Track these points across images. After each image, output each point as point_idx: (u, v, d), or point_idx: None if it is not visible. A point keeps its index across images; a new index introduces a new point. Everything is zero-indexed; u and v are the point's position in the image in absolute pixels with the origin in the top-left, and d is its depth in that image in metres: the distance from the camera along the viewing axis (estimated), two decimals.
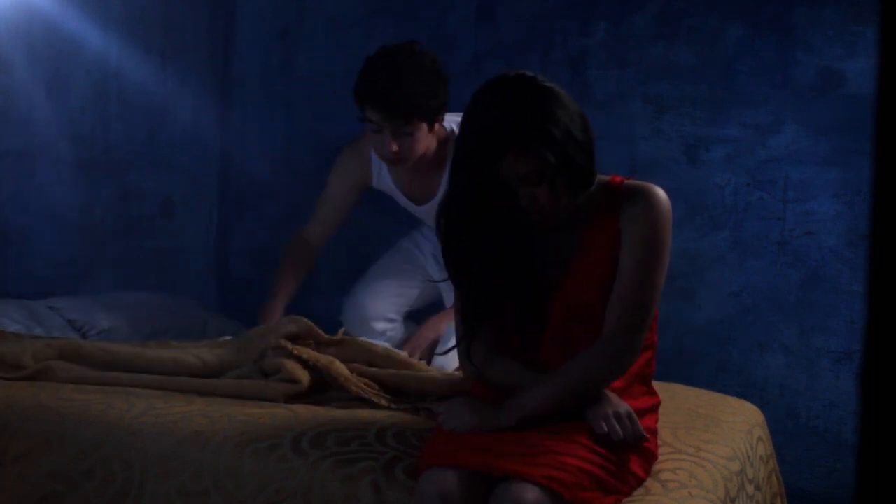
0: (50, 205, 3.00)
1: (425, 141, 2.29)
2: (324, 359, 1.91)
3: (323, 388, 1.92)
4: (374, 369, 1.95)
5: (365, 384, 1.87)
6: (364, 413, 1.79)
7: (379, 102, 2.20)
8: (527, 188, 1.45)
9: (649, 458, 1.58)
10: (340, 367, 1.90)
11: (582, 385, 1.50)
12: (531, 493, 1.32)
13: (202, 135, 3.65)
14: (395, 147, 2.25)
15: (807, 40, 2.75)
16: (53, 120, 3.00)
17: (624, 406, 1.49)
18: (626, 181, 1.58)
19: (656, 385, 1.71)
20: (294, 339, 1.98)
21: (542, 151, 1.41)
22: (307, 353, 1.91)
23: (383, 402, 1.83)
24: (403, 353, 2.18)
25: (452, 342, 1.71)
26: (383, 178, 2.54)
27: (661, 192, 1.55)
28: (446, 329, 2.48)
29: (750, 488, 1.81)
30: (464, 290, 1.57)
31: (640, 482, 1.52)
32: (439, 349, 2.43)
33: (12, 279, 2.88)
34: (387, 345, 2.28)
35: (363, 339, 2.21)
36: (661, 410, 1.70)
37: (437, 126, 2.31)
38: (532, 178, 1.44)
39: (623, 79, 3.03)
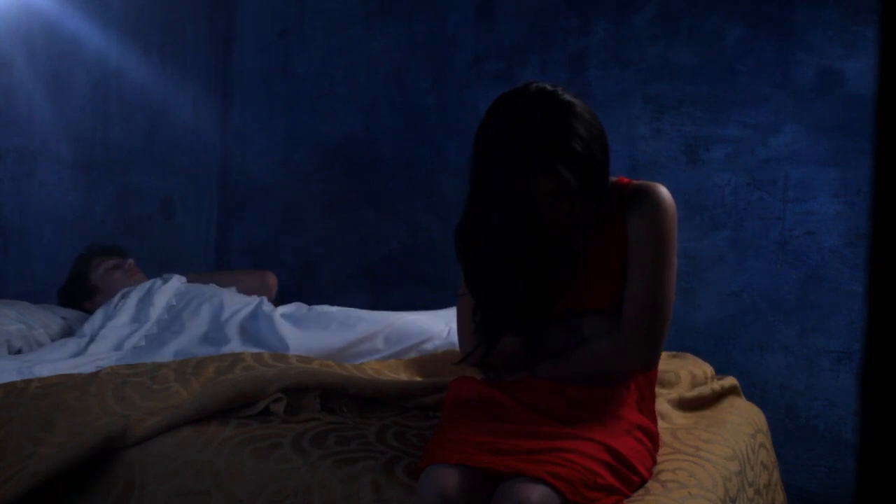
0: (50, 205, 3.00)
1: None
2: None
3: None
4: (349, 374, 1.91)
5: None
6: (364, 412, 1.79)
7: None
8: (549, 202, 1.47)
9: (655, 451, 1.59)
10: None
11: (592, 373, 1.56)
12: (536, 491, 1.31)
13: (202, 135, 3.65)
14: None
15: (807, 40, 2.75)
16: (53, 120, 3.00)
17: None
18: (633, 182, 1.59)
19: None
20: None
21: (565, 172, 1.43)
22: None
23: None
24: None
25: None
26: None
27: (663, 191, 1.56)
28: None
29: (750, 491, 1.80)
30: (485, 305, 1.57)
31: (643, 481, 1.52)
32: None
33: (12, 279, 2.87)
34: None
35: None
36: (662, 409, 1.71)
37: None
38: (554, 193, 1.46)
39: (623, 79, 3.03)
